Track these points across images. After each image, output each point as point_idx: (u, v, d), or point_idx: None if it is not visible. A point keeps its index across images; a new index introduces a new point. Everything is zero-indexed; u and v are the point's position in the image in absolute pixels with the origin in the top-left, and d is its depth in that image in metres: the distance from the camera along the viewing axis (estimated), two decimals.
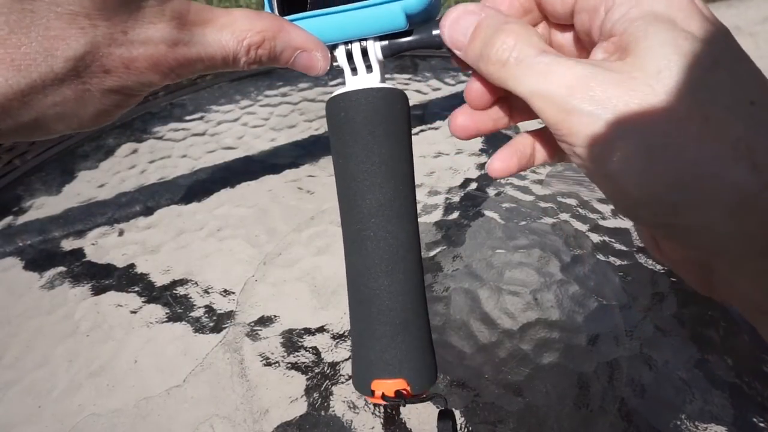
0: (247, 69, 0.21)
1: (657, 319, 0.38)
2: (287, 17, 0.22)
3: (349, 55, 0.23)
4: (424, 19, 0.22)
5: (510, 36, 0.19)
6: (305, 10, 0.22)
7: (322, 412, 0.35)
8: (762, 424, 0.33)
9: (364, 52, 0.23)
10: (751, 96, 0.16)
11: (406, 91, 0.23)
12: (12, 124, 0.17)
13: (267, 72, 0.64)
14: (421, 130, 0.56)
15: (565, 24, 0.21)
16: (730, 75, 0.16)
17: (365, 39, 0.23)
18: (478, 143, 0.55)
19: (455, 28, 0.20)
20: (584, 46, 0.21)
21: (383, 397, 0.22)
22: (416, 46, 0.23)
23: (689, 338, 0.37)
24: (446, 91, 0.61)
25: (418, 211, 0.47)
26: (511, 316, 0.39)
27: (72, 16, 0.16)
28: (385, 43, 0.23)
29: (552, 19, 0.21)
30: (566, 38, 0.22)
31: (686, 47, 0.16)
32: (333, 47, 0.23)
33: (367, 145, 0.22)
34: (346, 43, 0.23)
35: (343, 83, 0.23)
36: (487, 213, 0.48)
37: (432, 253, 0.44)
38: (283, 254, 0.45)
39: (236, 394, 0.36)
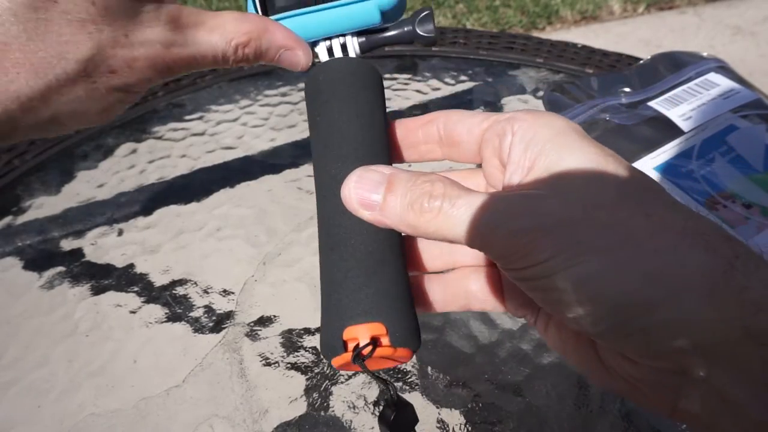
0: (235, 66, 0.23)
1: None
2: (271, 17, 0.23)
3: (330, 51, 0.25)
4: (396, 16, 0.25)
5: (437, 182, 0.18)
6: (287, 9, 0.24)
7: (322, 412, 0.35)
8: None
9: (344, 48, 0.25)
10: (668, 196, 0.17)
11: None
12: (32, 121, 0.19)
13: (266, 72, 0.64)
14: None
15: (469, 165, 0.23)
16: (644, 177, 0.18)
17: (343, 35, 0.24)
18: None
19: (362, 185, 0.19)
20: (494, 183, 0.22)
21: (354, 353, 0.19)
22: (391, 42, 0.25)
23: None
24: (446, 90, 0.61)
25: None
26: (511, 316, 0.39)
27: (81, 22, 0.18)
28: (363, 39, 0.25)
29: (454, 154, 0.23)
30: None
31: (602, 159, 0.18)
32: (314, 44, 0.25)
33: (344, 97, 0.23)
34: (326, 40, 0.25)
35: None
36: None
37: None
38: (282, 254, 0.45)
39: (236, 394, 0.36)
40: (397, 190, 0.18)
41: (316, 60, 0.25)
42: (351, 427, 0.34)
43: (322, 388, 0.36)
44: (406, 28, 0.24)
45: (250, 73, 0.64)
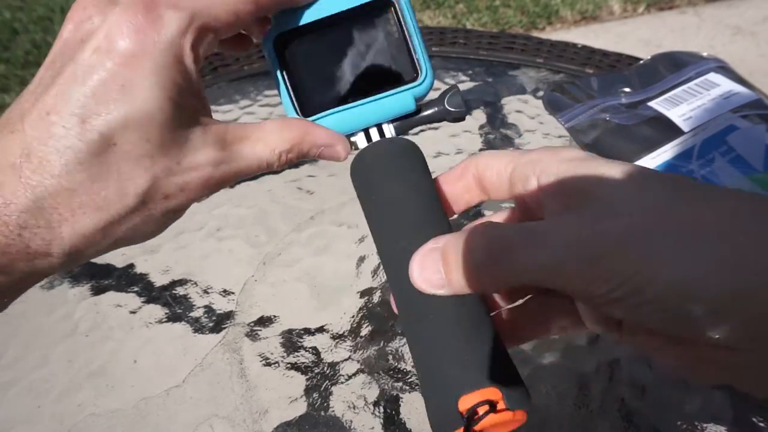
0: (279, 169, 0.24)
1: None
2: (310, 117, 0.24)
3: (368, 137, 0.25)
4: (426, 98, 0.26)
5: (477, 235, 0.18)
6: (324, 106, 0.25)
7: (322, 412, 0.35)
8: (762, 424, 0.33)
9: (381, 133, 0.25)
10: (702, 183, 0.18)
11: None
12: (93, 251, 0.20)
13: (266, 72, 0.64)
14: (421, 130, 0.56)
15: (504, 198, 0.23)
16: (674, 173, 0.19)
17: (380, 124, 0.25)
18: (478, 143, 0.55)
19: (425, 268, 0.19)
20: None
21: (467, 418, 0.18)
22: (423, 123, 0.26)
23: None
24: None
25: None
26: None
27: (137, 158, 0.20)
28: (397, 123, 0.25)
29: (492, 195, 0.23)
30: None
31: (631, 166, 0.18)
32: (352, 134, 0.25)
33: (395, 175, 0.23)
34: (364, 130, 0.25)
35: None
36: (486, 213, 0.48)
37: None
38: (282, 254, 0.45)
39: (236, 395, 0.36)
40: (451, 262, 0.19)
41: (354, 150, 0.25)
42: (351, 427, 0.34)
43: (322, 388, 0.36)
44: (437, 108, 0.25)
45: (250, 74, 0.64)
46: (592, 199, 0.18)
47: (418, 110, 0.25)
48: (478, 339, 0.20)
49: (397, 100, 0.25)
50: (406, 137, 0.25)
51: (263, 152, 0.22)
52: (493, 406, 0.18)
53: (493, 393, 0.18)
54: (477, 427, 0.17)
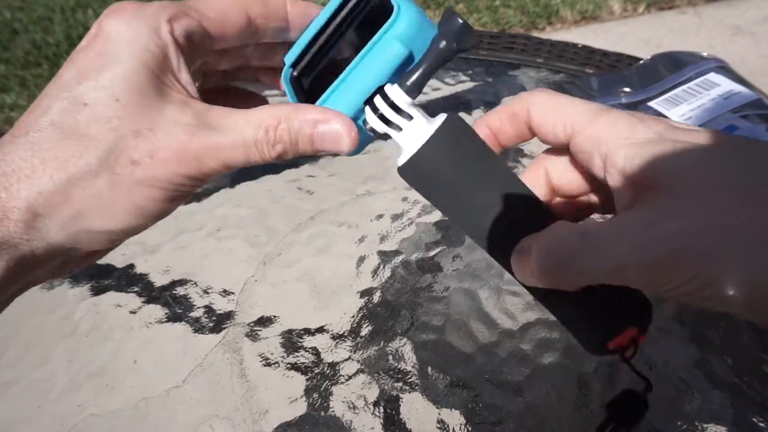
0: (274, 157, 0.22)
1: (657, 319, 0.38)
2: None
3: (384, 119, 0.22)
4: (422, 44, 0.22)
5: (546, 242, 0.20)
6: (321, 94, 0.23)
7: (322, 413, 0.35)
8: (762, 424, 0.33)
9: (394, 107, 0.22)
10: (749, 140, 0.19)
11: None
12: (56, 221, 0.20)
13: None
14: None
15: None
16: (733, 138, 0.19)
17: (383, 90, 0.22)
18: None
19: (520, 270, 0.22)
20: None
21: (623, 357, 0.24)
22: (434, 67, 0.22)
23: (689, 338, 0.37)
24: (446, 90, 0.61)
25: (418, 212, 0.47)
26: (511, 316, 0.39)
27: (107, 119, 0.20)
28: (406, 84, 0.22)
29: (545, 142, 0.24)
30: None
31: (699, 136, 0.19)
32: (364, 121, 0.23)
33: (465, 179, 0.22)
34: (373, 109, 0.22)
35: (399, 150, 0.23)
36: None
37: (432, 253, 0.44)
38: (282, 254, 0.45)
39: (236, 395, 0.36)
40: (532, 264, 0.20)
41: (371, 134, 0.23)
42: (351, 427, 0.34)
43: (322, 388, 0.36)
44: (441, 46, 0.21)
45: None
46: (661, 191, 0.18)
47: (422, 59, 0.22)
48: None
49: (383, 50, 0.22)
50: (453, 117, 0.22)
51: (246, 127, 0.21)
52: (634, 341, 0.23)
53: (631, 332, 0.23)
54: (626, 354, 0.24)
